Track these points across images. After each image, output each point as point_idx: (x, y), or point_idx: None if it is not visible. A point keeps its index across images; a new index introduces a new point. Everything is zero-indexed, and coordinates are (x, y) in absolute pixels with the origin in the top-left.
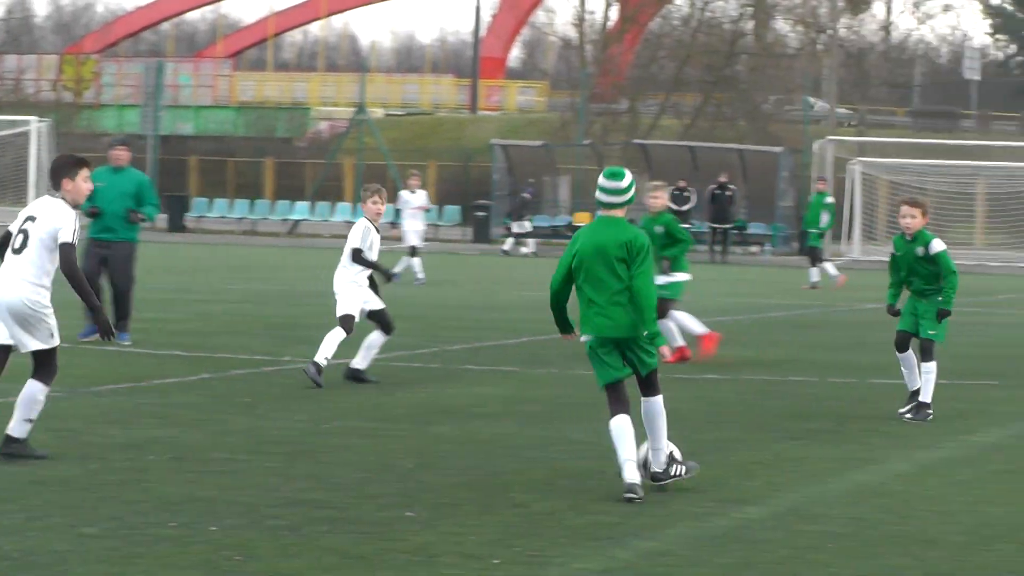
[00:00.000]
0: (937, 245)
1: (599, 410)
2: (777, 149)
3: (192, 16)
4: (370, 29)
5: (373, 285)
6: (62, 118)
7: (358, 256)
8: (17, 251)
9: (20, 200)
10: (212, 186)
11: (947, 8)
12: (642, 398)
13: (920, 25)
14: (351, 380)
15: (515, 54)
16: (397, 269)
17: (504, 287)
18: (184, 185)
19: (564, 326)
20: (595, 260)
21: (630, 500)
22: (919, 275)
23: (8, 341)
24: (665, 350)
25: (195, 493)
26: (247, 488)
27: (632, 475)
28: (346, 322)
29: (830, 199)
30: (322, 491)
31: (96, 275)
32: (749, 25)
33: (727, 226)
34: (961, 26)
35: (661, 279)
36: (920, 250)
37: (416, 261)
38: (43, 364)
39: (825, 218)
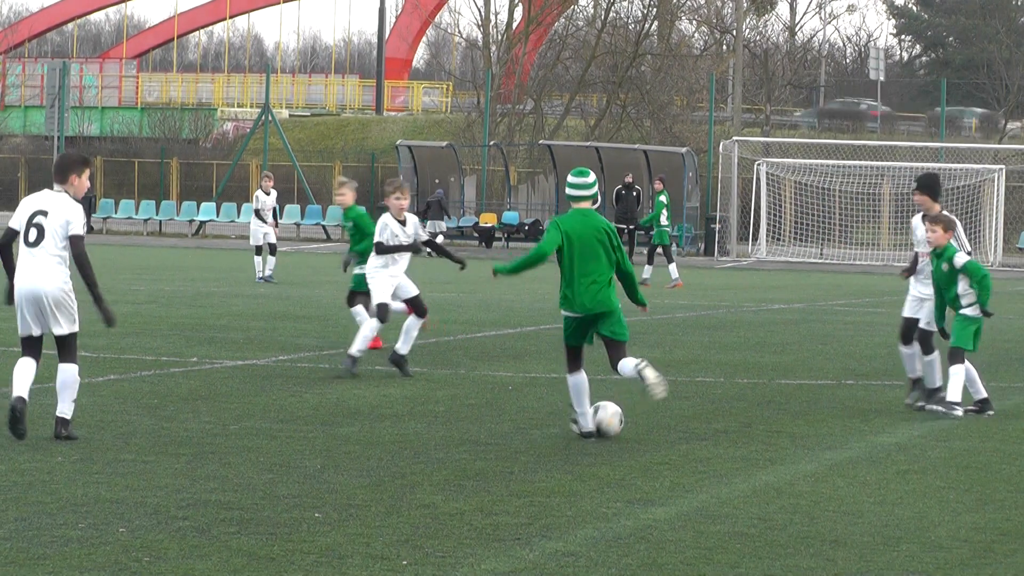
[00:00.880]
0: (959, 260)
1: (503, 411)
2: (682, 149)
3: (97, 17)
4: (275, 30)
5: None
6: None
7: (381, 248)
8: (33, 244)
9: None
10: (118, 187)
11: (852, 9)
12: (620, 360)
13: (825, 26)
14: (394, 365)
15: (420, 55)
16: (268, 271)
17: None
18: (90, 186)
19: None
20: (587, 243)
21: (587, 437)
22: (948, 290)
23: (38, 332)
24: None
25: (102, 494)
26: (154, 489)
27: (588, 425)
28: (381, 311)
29: (663, 197)
30: (229, 492)
31: None
32: (654, 26)
33: (632, 226)
34: (866, 27)
35: (359, 270)
36: (944, 266)
37: (258, 260)
38: (68, 347)
39: (664, 216)
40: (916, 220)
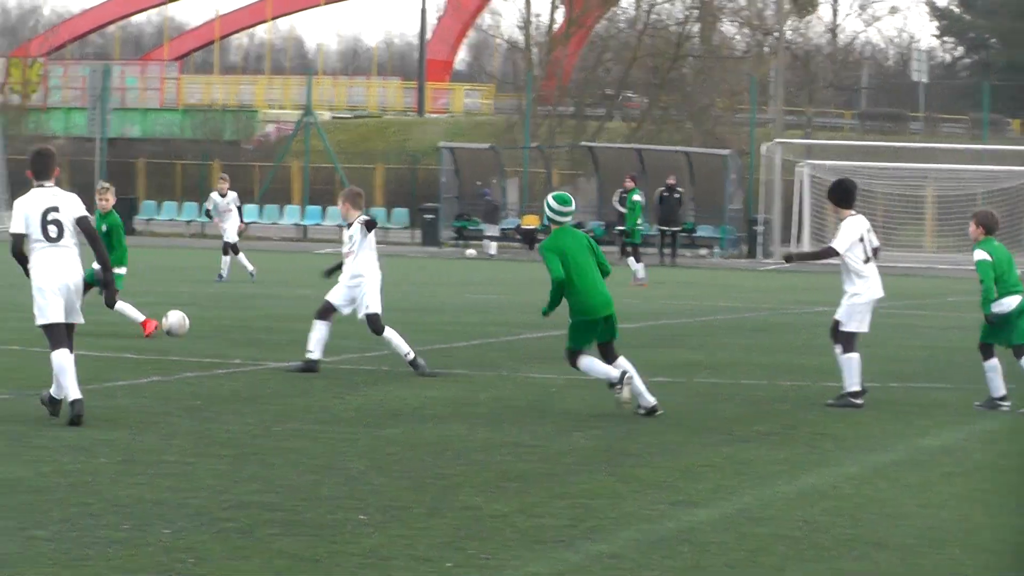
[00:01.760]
0: (976, 255)
1: (545, 413)
2: (724, 152)
3: (138, 19)
4: (316, 32)
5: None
6: (10, 121)
7: None
8: (55, 240)
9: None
10: (160, 189)
11: (894, 10)
12: (619, 357)
13: (867, 27)
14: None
15: (461, 57)
16: (225, 272)
17: (452, 290)
18: (132, 188)
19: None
20: (582, 255)
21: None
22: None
23: (65, 320)
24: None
25: (145, 496)
26: (198, 491)
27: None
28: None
29: (637, 196)
30: (272, 494)
31: None
32: (695, 28)
33: (675, 229)
34: (908, 28)
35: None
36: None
37: (227, 260)
38: (72, 335)
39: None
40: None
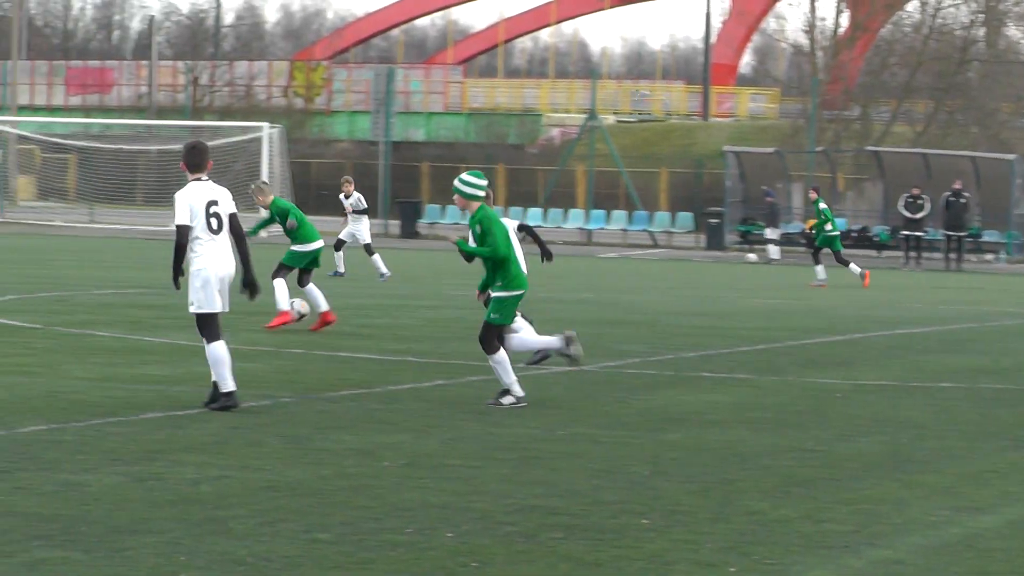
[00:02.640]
0: None
1: (829, 419)
2: (1010, 157)
3: (422, 22)
4: (600, 35)
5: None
6: (293, 124)
7: None
8: (217, 232)
9: (252, 206)
10: (444, 192)
11: None
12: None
13: None
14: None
15: (746, 60)
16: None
17: (737, 294)
18: (416, 191)
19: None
20: (509, 234)
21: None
22: None
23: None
24: None
25: (429, 499)
26: (481, 494)
27: (520, 392)
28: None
29: (823, 205)
30: (555, 498)
31: None
32: (981, 32)
33: (961, 234)
34: None
35: None
36: None
37: (339, 257)
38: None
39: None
40: None
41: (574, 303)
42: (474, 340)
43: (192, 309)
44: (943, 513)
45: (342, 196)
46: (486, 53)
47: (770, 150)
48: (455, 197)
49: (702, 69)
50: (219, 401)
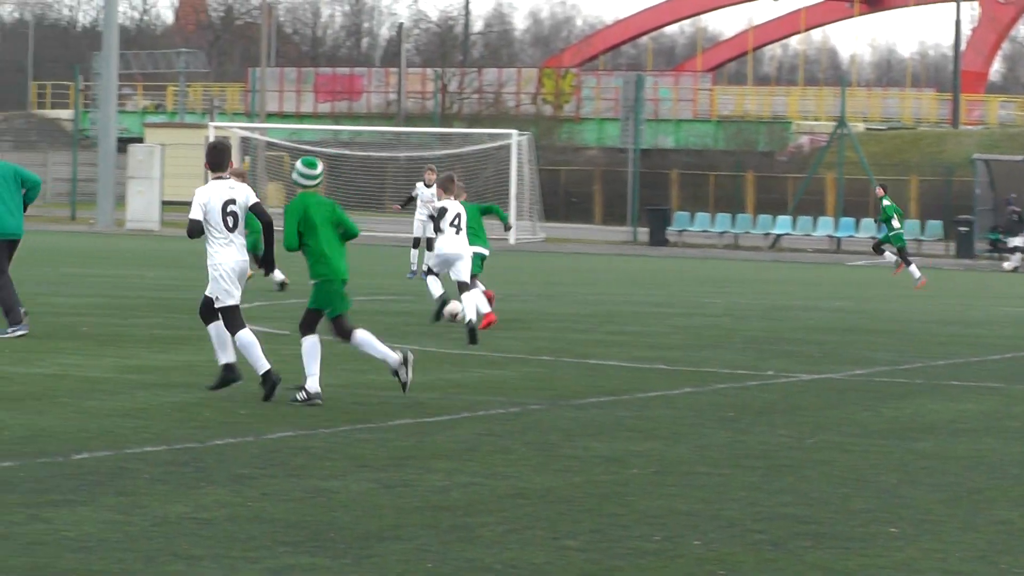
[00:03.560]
0: None
1: None
2: None
3: (671, 30)
4: (850, 43)
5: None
6: (542, 131)
7: None
8: (232, 229)
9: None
10: (693, 200)
11: None
12: (356, 330)
13: None
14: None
15: (996, 68)
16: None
17: (987, 302)
18: (665, 198)
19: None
20: (322, 220)
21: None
22: None
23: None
24: None
25: (677, 507)
26: (729, 502)
27: (317, 387)
28: None
29: (887, 202)
30: (804, 506)
31: None
32: None
33: None
34: None
35: None
36: None
37: (415, 253)
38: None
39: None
40: None
41: (825, 311)
42: (724, 347)
43: (216, 304)
44: None
45: (421, 184)
46: (735, 60)
47: (1019, 158)
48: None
49: (952, 76)
50: (266, 387)
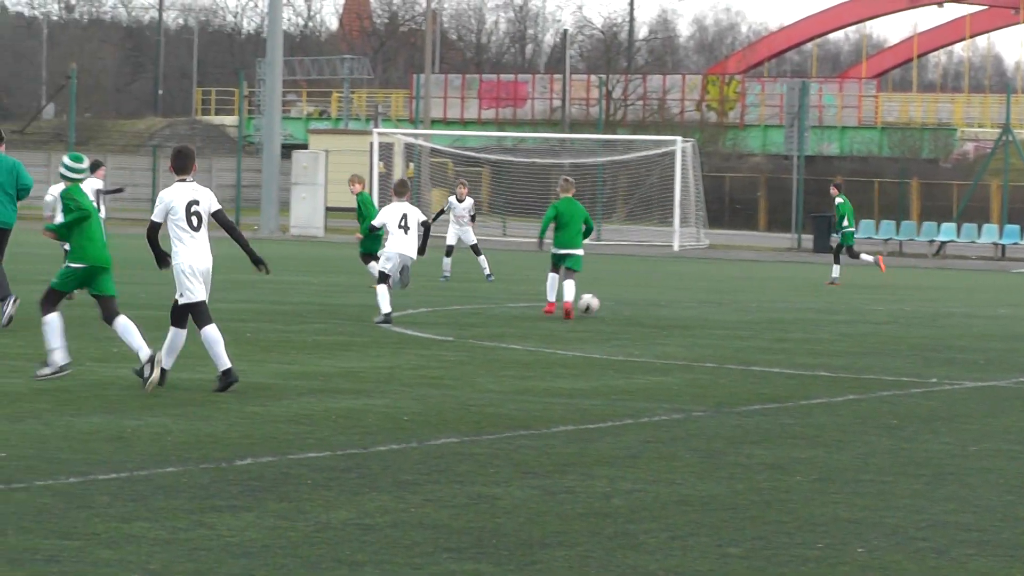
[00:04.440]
0: None
1: None
2: None
3: (836, 36)
4: (1015, 49)
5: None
6: (706, 138)
7: None
8: (196, 228)
9: (666, 219)
10: (857, 207)
11: None
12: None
13: None
14: None
15: None
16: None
17: None
18: (830, 205)
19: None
20: (93, 208)
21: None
22: None
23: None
24: None
25: (840, 514)
26: (892, 510)
27: (61, 360)
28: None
29: (840, 200)
30: (967, 513)
31: None
32: None
33: None
34: None
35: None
36: None
37: (447, 261)
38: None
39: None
40: None
41: (989, 318)
42: (888, 354)
43: (180, 300)
44: None
45: (454, 199)
46: (900, 67)
47: None
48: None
49: None
50: (219, 382)
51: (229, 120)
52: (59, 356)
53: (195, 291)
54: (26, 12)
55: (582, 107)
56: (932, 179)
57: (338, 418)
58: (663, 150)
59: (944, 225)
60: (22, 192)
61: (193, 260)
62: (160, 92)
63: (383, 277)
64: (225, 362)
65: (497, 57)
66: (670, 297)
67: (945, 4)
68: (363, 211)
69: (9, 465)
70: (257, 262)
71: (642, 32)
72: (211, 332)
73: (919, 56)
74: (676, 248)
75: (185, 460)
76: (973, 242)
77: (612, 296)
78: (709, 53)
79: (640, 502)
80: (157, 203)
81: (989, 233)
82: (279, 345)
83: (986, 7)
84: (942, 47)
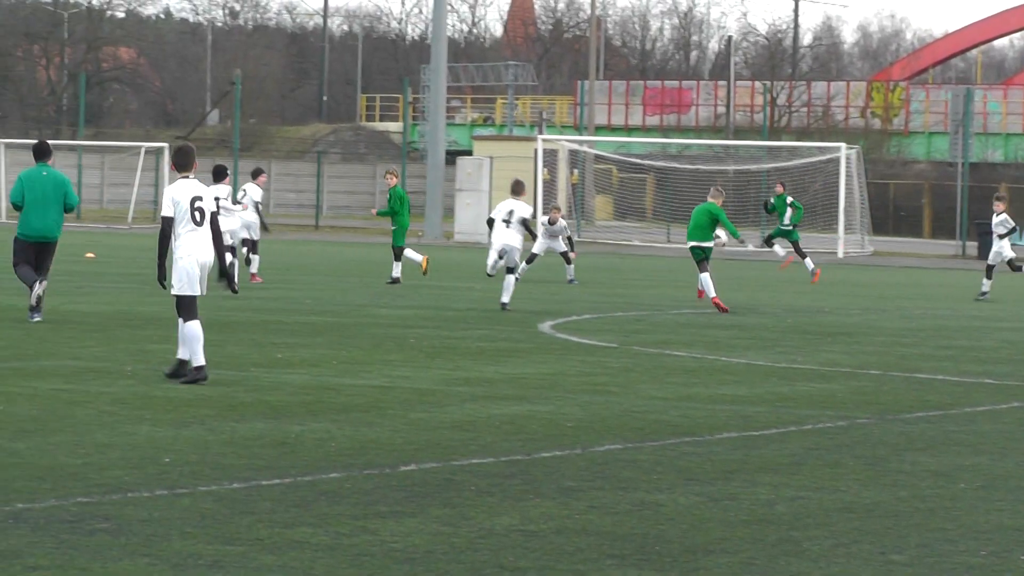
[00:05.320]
0: None
1: None
2: None
3: (1000, 43)
4: None
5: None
6: (870, 145)
7: None
8: (199, 224)
9: (830, 226)
10: (1017, 216)
11: None
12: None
13: None
14: None
15: None
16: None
17: None
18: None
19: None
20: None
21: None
22: None
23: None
24: None
25: (1005, 522)
26: None
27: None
28: None
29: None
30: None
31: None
32: None
33: None
34: None
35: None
36: None
37: (524, 266)
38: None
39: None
40: None
41: None
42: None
43: (174, 291)
44: None
45: (546, 220)
46: None
47: None
48: None
49: None
50: (188, 375)
51: (393, 126)
52: None
53: (191, 285)
54: (191, 18)
55: (746, 114)
56: None
57: (502, 424)
58: (827, 157)
59: None
60: (68, 208)
61: (195, 254)
62: (324, 98)
63: (510, 270)
64: (201, 359)
65: (661, 63)
66: (834, 304)
67: None
68: (391, 203)
69: (173, 471)
70: (225, 275)
71: (806, 39)
72: (195, 328)
73: None
74: (840, 255)
75: (349, 466)
76: None
77: (776, 303)
78: (873, 60)
79: (804, 509)
80: (164, 199)
81: None
82: (443, 351)
83: None
84: None
